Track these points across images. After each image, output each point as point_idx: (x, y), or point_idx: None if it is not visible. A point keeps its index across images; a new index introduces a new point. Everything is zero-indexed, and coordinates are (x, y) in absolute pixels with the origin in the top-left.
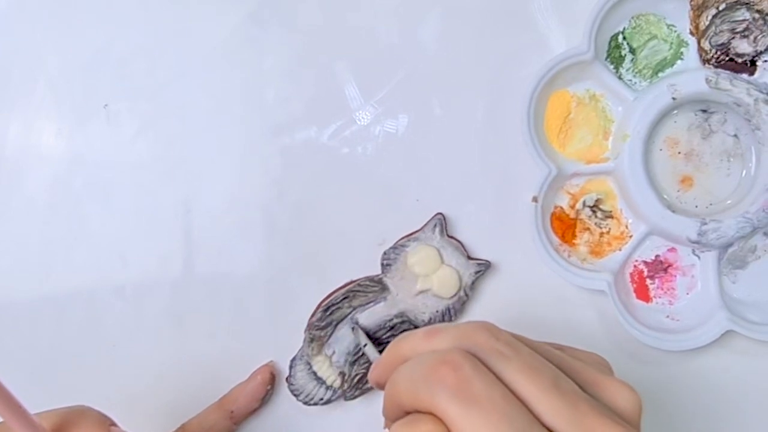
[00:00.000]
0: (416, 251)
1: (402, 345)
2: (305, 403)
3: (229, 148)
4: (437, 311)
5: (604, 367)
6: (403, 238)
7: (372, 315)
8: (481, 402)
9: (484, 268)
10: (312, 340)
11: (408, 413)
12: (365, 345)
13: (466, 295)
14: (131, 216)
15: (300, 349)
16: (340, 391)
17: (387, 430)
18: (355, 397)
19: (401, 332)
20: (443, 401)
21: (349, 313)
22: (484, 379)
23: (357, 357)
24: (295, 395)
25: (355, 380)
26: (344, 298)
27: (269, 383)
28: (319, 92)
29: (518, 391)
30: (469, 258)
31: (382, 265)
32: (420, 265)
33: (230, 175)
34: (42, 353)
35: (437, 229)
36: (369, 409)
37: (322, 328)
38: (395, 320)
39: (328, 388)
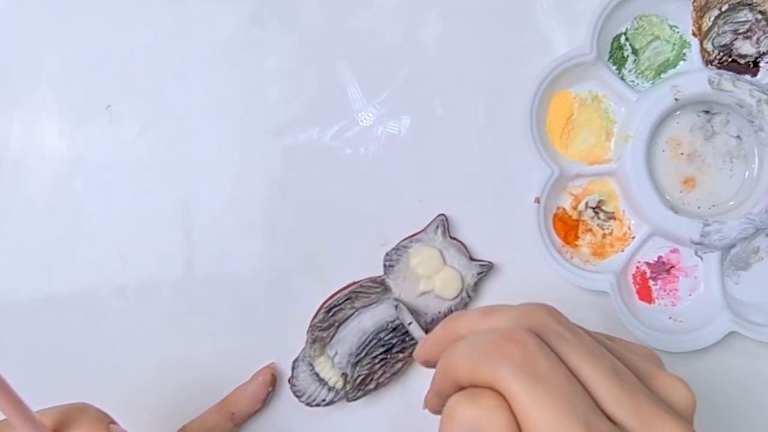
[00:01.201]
0: (419, 252)
1: (457, 322)
2: (307, 404)
3: (231, 149)
4: (440, 312)
5: (656, 360)
6: (405, 239)
7: (374, 316)
8: (546, 381)
9: (487, 269)
10: (314, 341)
11: (461, 388)
12: (410, 323)
13: (469, 296)
14: (132, 216)
15: (302, 350)
16: (342, 393)
17: (427, 409)
18: (358, 399)
19: (403, 334)
20: (507, 376)
21: (351, 314)
22: (549, 358)
23: (359, 358)
24: (297, 396)
25: (358, 381)
26: (346, 299)
27: (270, 384)
28: (321, 93)
29: (580, 375)
30: (472, 259)
31: (385, 266)
32: (422, 266)
33: (231, 176)
34: (42, 353)
35: (439, 231)
36: (371, 411)
37: (325, 329)
38: (397, 321)
39: (330, 389)
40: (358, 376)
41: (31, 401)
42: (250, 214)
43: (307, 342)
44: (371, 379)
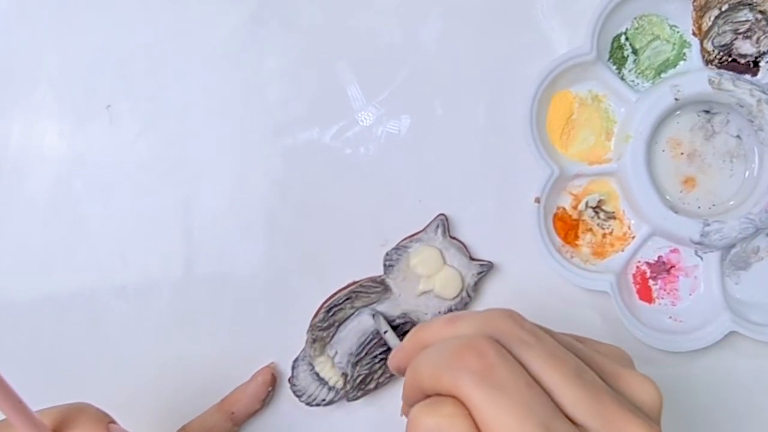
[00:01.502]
0: (419, 252)
1: (424, 331)
2: (307, 404)
3: (231, 149)
4: (440, 312)
5: (625, 360)
6: (405, 239)
7: (367, 317)
8: (506, 388)
9: (487, 269)
10: (314, 341)
11: (427, 396)
12: (386, 332)
13: (469, 296)
14: (132, 216)
15: (302, 350)
16: (342, 392)
17: (404, 416)
18: (358, 398)
19: (404, 333)
20: (467, 385)
21: (352, 314)
22: (508, 365)
23: (359, 358)
24: (297, 396)
25: (358, 381)
26: (347, 299)
27: (270, 384)
28: (321, 93)
29: (541, 380)
30: (472, 259)
31: (385, 265)
32: (422, 266)
33: (231, 176)
34: (42, 353)
35: (440, 230)
36: (371, 410)
37: (325, 329)
38: (397, 321)
39: (330, 388)
40: (358, 375)
41: (31, 401)
42: (250, 214)
43: (307, 342)
44: (371, 379)
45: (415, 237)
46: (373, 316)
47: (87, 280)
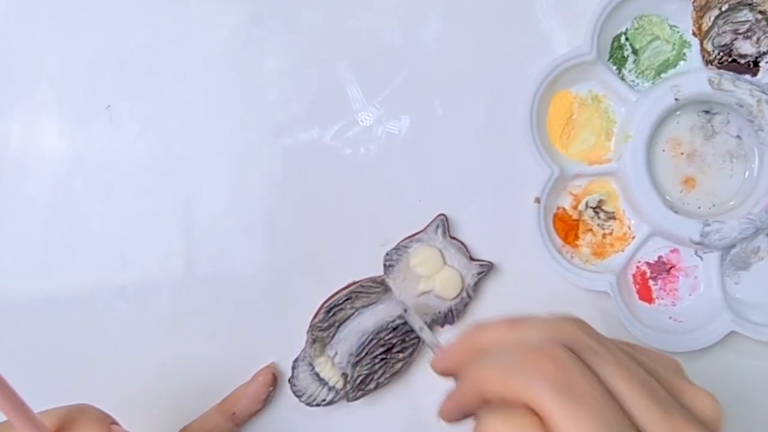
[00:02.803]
0: (418, 252)
1: (482, 332)
2: (308, 404)
3: (231, 149)
4: (440, 312)
5: (679, 369)
6: (405, 239)
7: (374, 316)
8: (582, 398)
9: (487, 269)
10: (314, 341)
11: (487, 401)
12: (421, 329)
13: (469, 296)
14: (132, 216)
15: (302, 350)
16: (342, 392)
17: (443, 419)
18: (358, 398)
19: (403, 333)
20: (541, 393)
21: (351, 314)
22: (584, 374)
23: (359, 358)
24: (297, 396)
25: (358, 381)
26: (347, 299)
27: (271, 385)
28: (321, 93)
29: (613, 390)
30: (472, 259)
31: (385, 266)
32: (422, 266)
33: (231, 176)
34: (42, 353)
35: (440, 230)
36: (371, 411)
37: (325, 329)
38: (398, 321)
39: (330, 389)
40: (358, 376)
41: (31, 401)
42: (250, 214)
43: (307, 342)
44: (371, 379)
45: (415, 237)
46: (405, 311)
47: (87, 280)
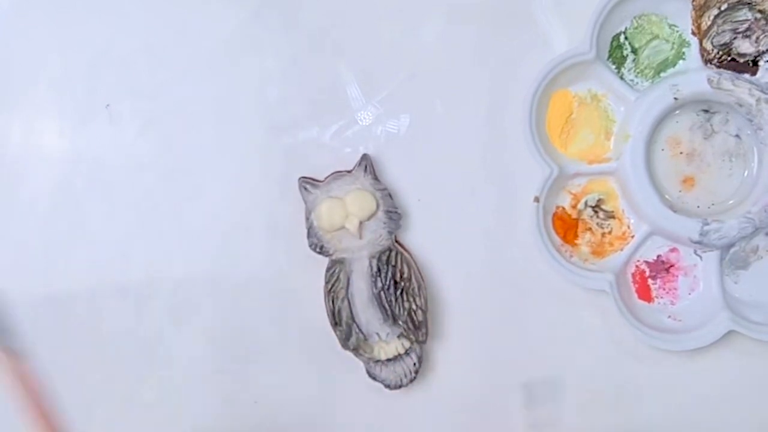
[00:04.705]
0: (318, 209)
1: None
2: (411, 381)
3: (231, 148)
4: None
5: None
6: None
7: (359, 278)
8: None
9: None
10: (355, 349)
11: None
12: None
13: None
14: (132, 216)
15: (356, 361)
16: (414, 346)
17: None
18: (426, 336)
19: (386, 261)
20: None
21: (345, 296)
22: None
23: (390, 310)
24: (398, 387)
25: (410, 325)
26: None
27: None
28: (320, 92)
29: None
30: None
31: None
32: (325, 217)
33: (232, 175)
34: (42, 353)
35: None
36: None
37: (342, 325)
38: (374, 262)
39: (406, 354)
40: (406, 321)
41: None
42: (250, 214)
43: (348, 350)
44: (416, 311)
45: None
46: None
47: (87, 280)
